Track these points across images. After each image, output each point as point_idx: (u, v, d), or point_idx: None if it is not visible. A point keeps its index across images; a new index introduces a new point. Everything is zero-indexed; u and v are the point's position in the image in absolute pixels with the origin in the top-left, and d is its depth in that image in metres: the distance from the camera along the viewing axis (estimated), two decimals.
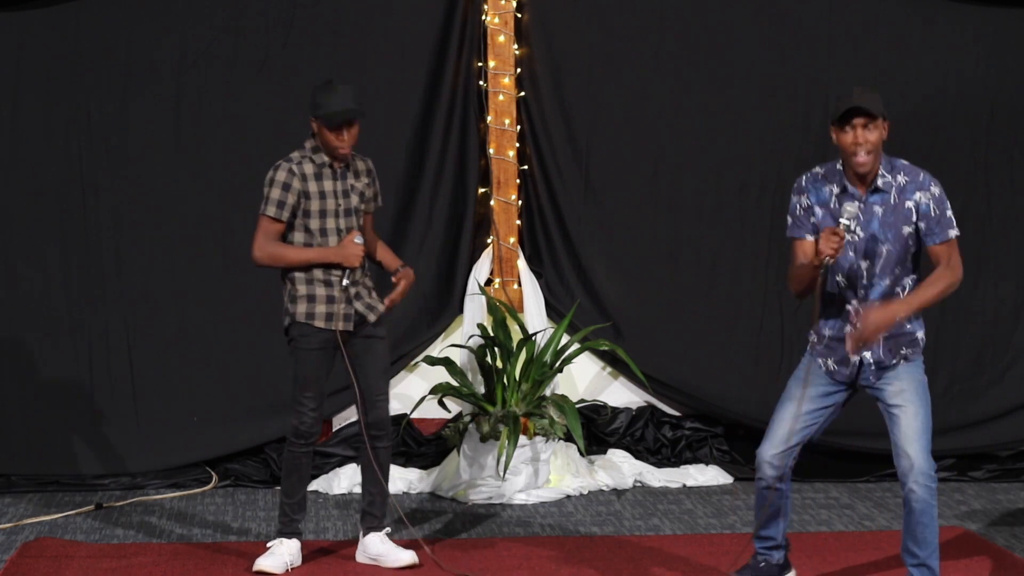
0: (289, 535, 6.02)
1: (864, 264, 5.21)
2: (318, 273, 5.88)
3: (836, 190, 5.25)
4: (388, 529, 6.13)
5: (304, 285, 5.89)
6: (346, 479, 7.39)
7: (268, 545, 6.02)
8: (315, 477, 7.45)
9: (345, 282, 5.85)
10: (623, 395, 8.04)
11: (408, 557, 6.03)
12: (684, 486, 7.60)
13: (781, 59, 7.89)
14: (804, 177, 5.36)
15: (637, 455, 7.81)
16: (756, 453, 5.40)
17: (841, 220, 5.13)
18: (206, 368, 7.61)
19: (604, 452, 7.82)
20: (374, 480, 6.05)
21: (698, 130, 7.91)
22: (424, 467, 7.60)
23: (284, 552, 5.97)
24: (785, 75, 7.88)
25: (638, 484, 7.61)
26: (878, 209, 5.20)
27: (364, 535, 6.11)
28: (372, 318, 5.96)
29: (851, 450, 7.71)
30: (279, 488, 6.13)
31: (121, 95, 7.55)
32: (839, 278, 5.23)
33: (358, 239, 5.86)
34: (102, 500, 7.18)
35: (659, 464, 7.80)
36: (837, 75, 7.87)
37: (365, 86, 7.52)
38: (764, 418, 5.60)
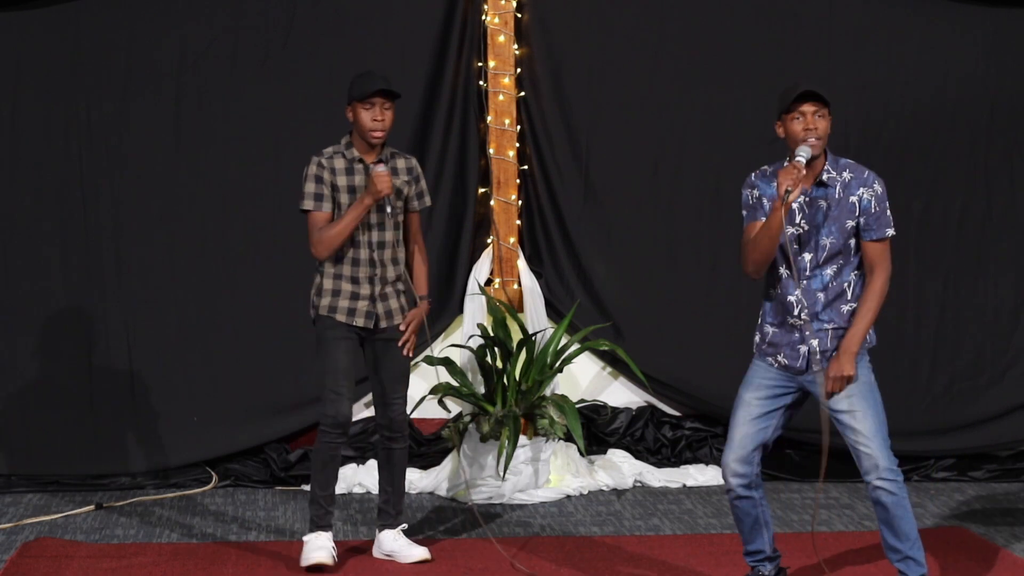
0: (326, 528, 6.02)
1: (808, 256, 5.26)
2: (346, 270, 5.94)
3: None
4: (404, 526, 6.20)
5: (331, 280, 5.96)
6: (344, 480, 7.37)
7: (305, 540, 6.02)
8: None
9: (388, 208, 5.87)
10: (623, 395, 8.04)
11: (421, 553, 6.10)
12: (684, 486, 7.60)
13: (781, 59, 7.89)
14: (753, 174, 5.44)
15: (637, 455, 7.81)
16: (721, 464, 5.40)
17: (797, 156, 5.13)
18: (206, 368, 7.61)
19: (604, 452, 7.82)
20: (390, 478, 6.13)
21: (698, 130, 7.92)
22: (424, 467, 7.61)
23: (326, 543, 5.98)
24: (785, 75, 7.85)
25: (638, 484, 7.61)
26: (822, 203, 5.25)
27: (379, 531, 6.17)
28: (383, 324, 6.02)
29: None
30: (308, 483, 6.07)
31: (121, 95, 7.55)
32: (782, 269, 5.26)
33: (380, 168, 5.85)
34: (102, 500, 7.18)
35: (659, 464, 7.80)
36: (837, 75, 7.88)
37: None
38: None
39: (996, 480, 7.80)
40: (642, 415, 7.99)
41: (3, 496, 7.26)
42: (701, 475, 7.68)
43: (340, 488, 7.35)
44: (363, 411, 7.66)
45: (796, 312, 5.28)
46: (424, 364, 7.53)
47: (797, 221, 5.25)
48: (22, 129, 7.51)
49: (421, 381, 7.67)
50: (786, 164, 5.28)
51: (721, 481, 7.65)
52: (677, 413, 8.04)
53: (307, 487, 7.42)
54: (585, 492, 7.42)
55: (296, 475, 7.56)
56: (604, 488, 7.49)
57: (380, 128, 5.88)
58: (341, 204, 5.91)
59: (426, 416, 7.67)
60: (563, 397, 7.38)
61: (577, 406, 7.41)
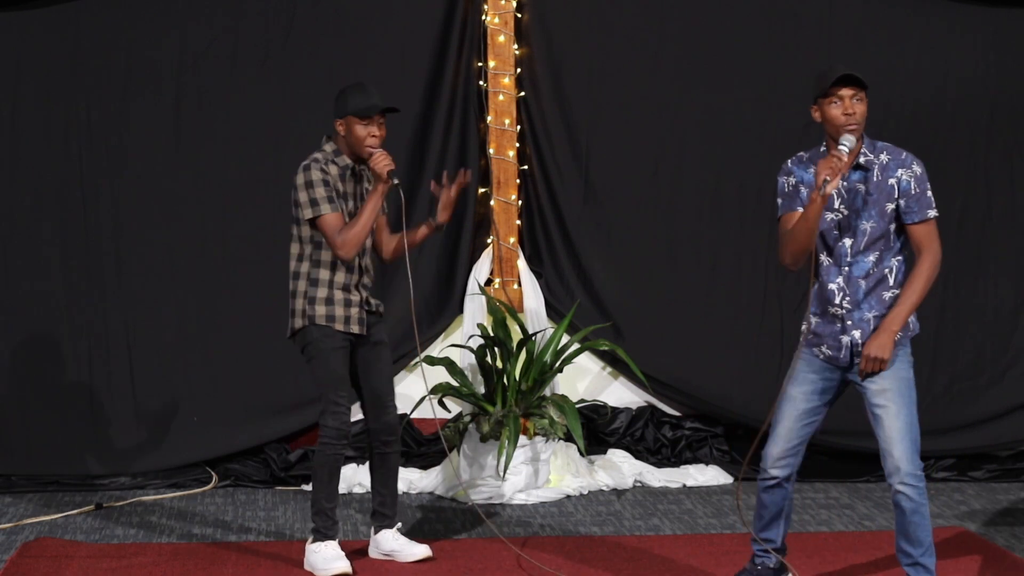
0: (333, 537, 5.98)
1: (848, 242, 5.20)
2: (340, 277, 5.93)
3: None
4: (399, 525, 6.19)
5: (325, 288, 5.94)
6: (344, 480, 7.37)
7: (313, 549, 5.95)
8: None
9: (395, 181, 5.84)
10: (623, 395, 8.04)
11: (423, 551, 6.10)
12: (684, 486, 7.60)
13: (781, 59, 7.89)
14: (789, 161, 5.35)
15: (637, 455, 7.81)
16: (763, 454, 5.38)
17: (841, 146, 5.08)
18: (206, 368, 7.61)
19: (604, 452, 7.82)
20: (385, 481, 6.12)
21: (698, 130, 7.92)
22: (424, 467, 7.61)
23: (341, 552, 5.93)
24: (785, 75, 7.88)
25: (638, 484, 7.61)
26: (860, 186, 5.18)
27: (376, 532, 6.17)
28: (373, 328, 6.02)
29: (851, 450, 7.71)
30: (312, 492, 5.98)
31: (121, 95, 7.55)
32: (823, 256, 5.22)
33: (376, 149, 5.85)
34: (102, 500, 7.18)
35: (659, 464, 7.80)
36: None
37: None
38: (764, 418, 5.60)
39: (996, 480, 7.80)
40: (642, 415, 7.99)
41: (3, 496, 7.26)
42: (701, 475, 7.68)
43: (340, 488, 7.34)
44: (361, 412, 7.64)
45: (838, 300, 5.22)
46: (424, 364, 7.53)
47: (836, 206, 5.18)
48: (22, 129, 7.51)
49: (421, 381, 7.67)
50: (822, 149, 5.22)
51: (722, 481, 7.67)
52: (677, 413, 8.04)
53: (307, 487, 7.43)
54: (585, 492, 7.42)
55: (296, 475, 7.56)
56: (604, 488, 7.49)
57: (377, 144, 5.87)
58: (342, 210, 5.90)
59: (426, 416, 7.66)
60: (563, 397, 7.38)
61: (577, 406, 7.40)
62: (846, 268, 5.21)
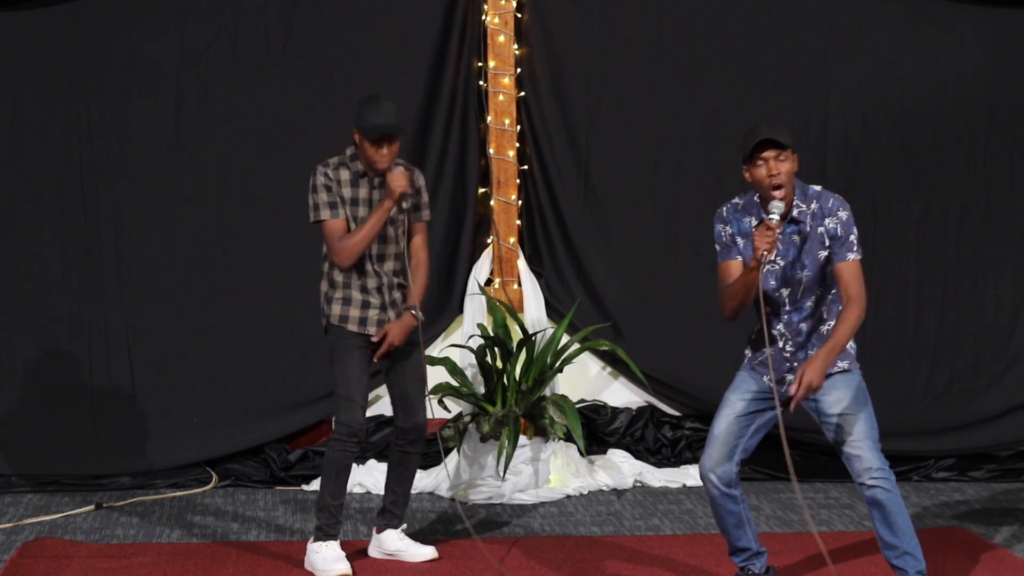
0: (335, 537, 5.98)
1: (786, 292, 5.33)
2: (355, 279, 5.93)
3: (755, 222, 5.32)
4: (404, 526, 6.19)
5: (341, 289, 5.95)
6: None
7: (315, 548, 5.95)
8: (313, 477, 7.45)
9: (404, 205, 5.86)
10: (623, 395, 8.04)
11: (429, 552, 6.11)
12: (684, 486, 7.60)
13: (781, 59, 7.89)
14: (724, 208, 5.45)
15: (637, 455, 7.81)
16: (700, 464, 5.42)
17: (770, 215, 5.17)
18: (206, 368, 7.61)
19: (604, 452, 7.82)
20: (401, 481, 6.12)
21: (698, 130, 7.91)
22: (424, 467, 7.60)
23: (341, 552, 5.95)
24: (785, 75, 7.88)
25: (638, 484, 7.61)
26: (795, 238, 5.30)
27: (380, 531, 6.16)
28: None
29: None
30: (318, 490, 5.98)
31: (121, 95, 7.55)
32: (762, 307, 5.30)
33: (397, 168, 5.85)
34: (102, 500, 7.18)
35: (659, 464, 7.80)
36: (837, 75, 7.88)
37: (365, 86, 7.53)
38: None
39: (996, 480, 7.80)
40: (642, 415, 7.99)
41: (3, 496, 7.26)
42: None
43: None
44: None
45: (781, 344, 5.36)
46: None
47: (772, 258, 5.29)
48: (22, 129, 7.51)
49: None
50: (756, 198, 5.29)
51: None
52: (677, 413, 8.04)
53: (307, 487, 7.44)
54: (585, 492, 7.42)
55: (296, 475, 7.56)
56: (604, 488, 7.49)
57: (386, 163, 5.85)
58: (347, 216, 5.91)
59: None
60: (563, 397, 7.38)
61: (577, 406, 7.40)
62: (785, 316, 5.35)
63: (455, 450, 7.40)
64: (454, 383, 7.41)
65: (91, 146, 7.53)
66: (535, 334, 7.47)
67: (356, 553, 6.18)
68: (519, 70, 7.79)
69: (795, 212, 5.27)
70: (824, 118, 7.90)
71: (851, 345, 5.34)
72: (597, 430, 7.90)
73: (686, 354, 7.90)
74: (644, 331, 7.91)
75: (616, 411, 7.95)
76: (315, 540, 5.97)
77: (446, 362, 7.45)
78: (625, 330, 7.89)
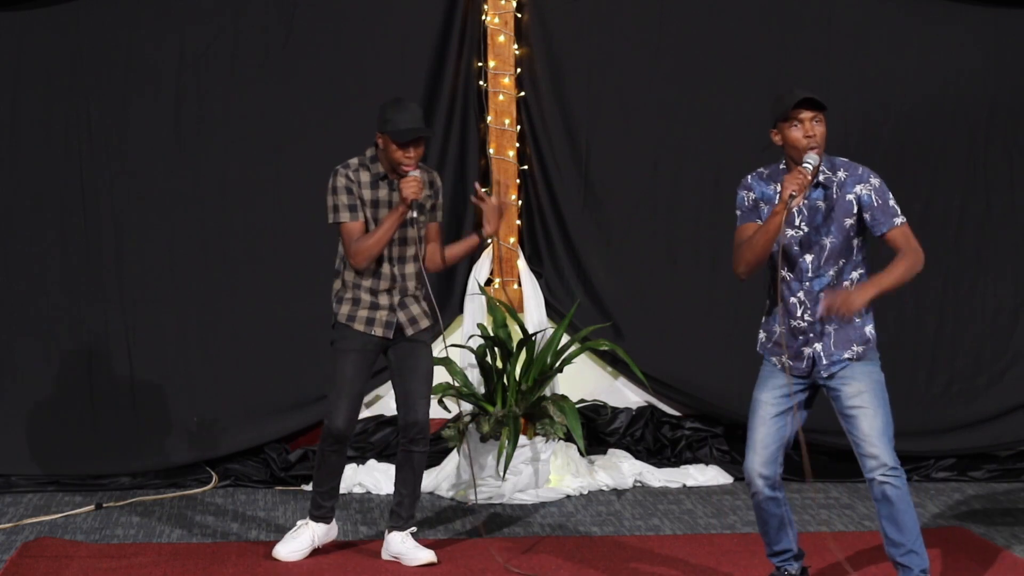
0: (317, 519, 6.16)
1: (809, 257, 5.26)
2: (367, 279, 5.95)
3: (779, 189, 5.28)
4: (413, 529, 6.19)
5: (351, 289, 5.98)
6: (344, 480, 7.36)
7: (297, 527, 6.18)
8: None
9: (412, 214, 5.87)
10: (623, 395, 8.04)
11: (427, 556, 6.10)
12: (684, 486, 7.60)
13: (781, 59, 7.89)
14: (750, 176, 5.42)
15: (637, 455, 7.81)
16: (744, 469, 5.41)
17: (805, 163, 5.13)
18: (206, 368, 7.61)
19: (604, 452, 7.82)
20: (406, 481, 6.12)
21: (698, 130, 7.92)
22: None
23: (308, 535, 6.14)
24: (785, 75, 7.88)
25: (638, 484, 7.61)
26: (821, 204, 5.25)
27: (388, 533, 6.18)
28: (409, 332, 6.05)
29: (851, 450, 7.69)
30: (308, 483, 6.25)
31: (121, 95, 7.55)
32: (784, 272, 5.26)
33: (413, 172, 5.86)
34: (102, 500, 7.18)
35: (659, 464, 7.80)
36: (837, 75, 7.88)
37: (365, 86, 7.54)
38: None
39: (996, 480, 7.80)
40: (642, 415, 7.99)
41: (3, 496, 7.26)
42: (701, 475, 7.68)
43: (340, 488, 7.34)
44: (363, 411, 7.65)
45: (799, 314, 5.28)
46: None
47: (797, 224, 5.26)
48: (22, 129, 7.51)
49: None
50: (781, 166, 5.28)
51: (722, 481, 7.67)
52: (677, 413, 8.04)
53: (307, 487, 7.45)
54: (585, 492, 7.42)
55: (296, 475, 7.56)
56: (604, 488, 7.49)
57: (413, 165, 5.87)
58: (366, 218, 5.92)
59: None
60: (563, 397, 7.38)
61: (577, 406, 7.40)
62: (807, 283, 5.28)
63: (455, 450, 7.40)
64: (454, 383, 7.41)
65: (91, 146, 7.54)
66: (535, 334, 7.47)
67: (361, 553, 6.18)
68: (519, 70, 7.79)
69: (821, 178, 5.22)
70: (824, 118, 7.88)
71: (871, 332, 5.29)
72: (597, 430, 7.90)
73: (686, 354, 7.90)
74: (644, 331, 7.91)
75: (616, 411, 7.95)
76: (303, 520, 6.19)
77: (446, 362, 7.45)
78: (625, 330, 7.89)
